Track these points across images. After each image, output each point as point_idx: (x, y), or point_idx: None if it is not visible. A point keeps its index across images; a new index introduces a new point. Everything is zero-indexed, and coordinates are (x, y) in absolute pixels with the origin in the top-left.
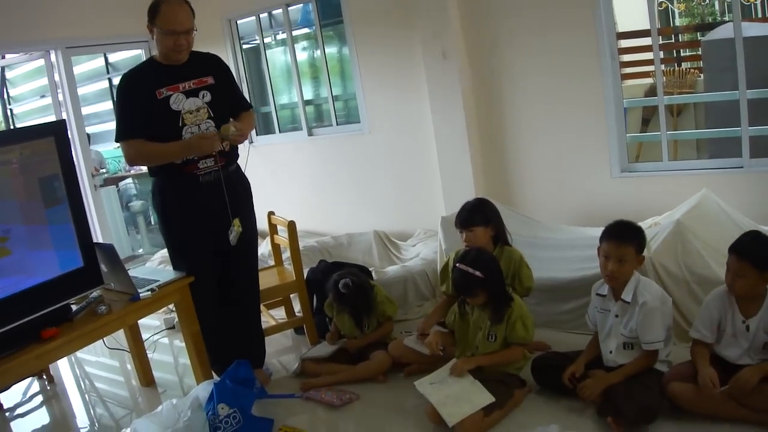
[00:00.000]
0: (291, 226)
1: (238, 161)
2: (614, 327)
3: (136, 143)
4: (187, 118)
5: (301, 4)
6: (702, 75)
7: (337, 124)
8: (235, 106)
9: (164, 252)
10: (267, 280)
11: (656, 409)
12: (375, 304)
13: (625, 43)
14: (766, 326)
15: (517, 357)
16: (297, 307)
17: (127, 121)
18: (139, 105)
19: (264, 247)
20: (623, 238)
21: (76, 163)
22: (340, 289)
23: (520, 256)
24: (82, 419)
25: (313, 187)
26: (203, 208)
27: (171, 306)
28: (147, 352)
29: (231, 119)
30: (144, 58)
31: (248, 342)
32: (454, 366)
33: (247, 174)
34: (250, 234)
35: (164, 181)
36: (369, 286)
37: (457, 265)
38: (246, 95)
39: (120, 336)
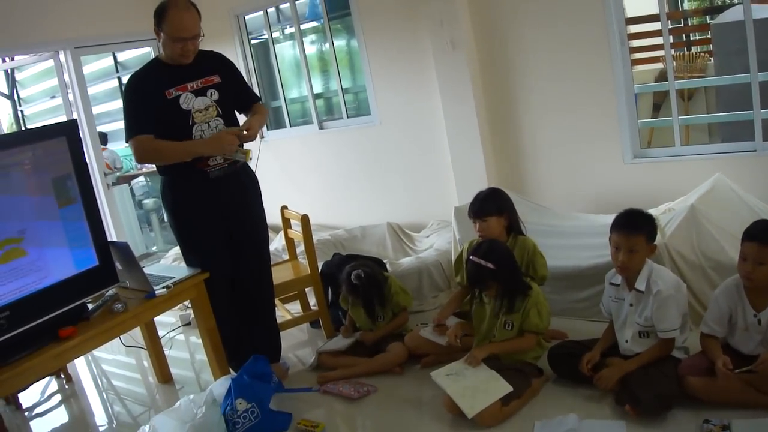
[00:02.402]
0: (304, 219)
1: None
2: (629, 316)
3: (147, 139)
4: (197, 117)
5: None
6: (712, 59)
7: (348, 117)
8: (244, 101)
9: (178, 249)
10: (281, 274)
11: (673, 396)
12: (389, 295)
13: (634, 29)
14: None
15: (531, 345)
16: (312, 300)
17: (138, 118)
18: (149, 105)
19: (278, 242)
20: (633, 228)
21: (88, 162)
22: (352, 281)
23: (534, 244)
24: (100, 417)
25: (326, 180)
26: (214, 203)
27: (186, 303)
28: (164, 349)
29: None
30: (152, 56)
31: (264, 336)
32: (469, 356)
33: (258, 169)
34: (260, 228)
35: (174, 178)
36: (381, 277)
37: (471, 257)
38: (256, 90)
39: (136, 333)
